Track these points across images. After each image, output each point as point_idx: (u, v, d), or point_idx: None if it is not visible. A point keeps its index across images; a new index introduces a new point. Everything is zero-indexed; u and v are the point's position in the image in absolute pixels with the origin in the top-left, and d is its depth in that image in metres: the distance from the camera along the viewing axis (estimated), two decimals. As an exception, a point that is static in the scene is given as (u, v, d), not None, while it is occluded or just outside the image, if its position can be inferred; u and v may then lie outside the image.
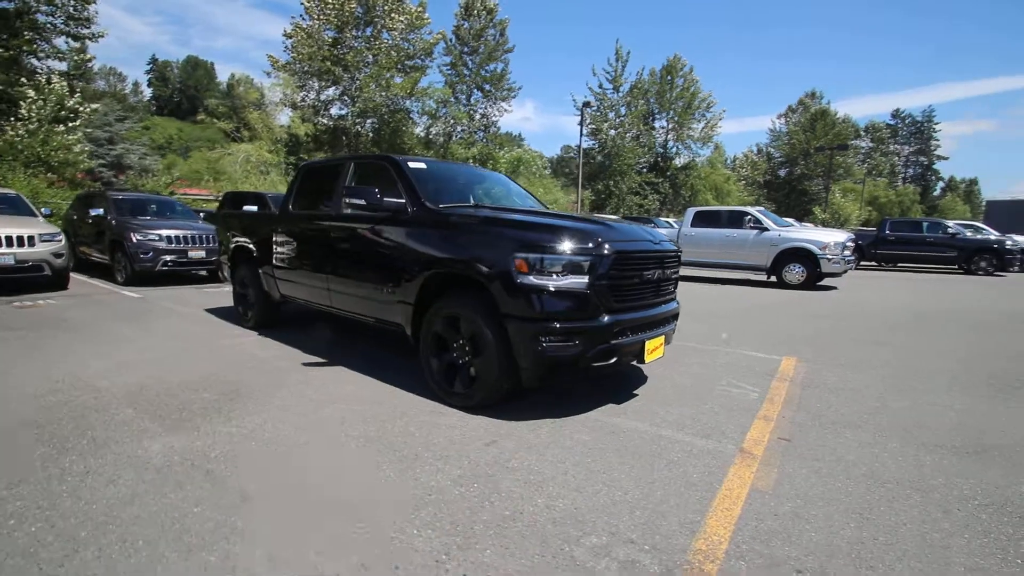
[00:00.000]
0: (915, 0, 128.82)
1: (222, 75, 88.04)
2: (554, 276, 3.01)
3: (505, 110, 34.02)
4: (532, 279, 2.99)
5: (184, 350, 4.73)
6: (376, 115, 23.66)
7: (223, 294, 8.19)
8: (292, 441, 2.83)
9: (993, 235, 16.29)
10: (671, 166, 41.98)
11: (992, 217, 37.44)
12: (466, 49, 33.51)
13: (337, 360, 4.48)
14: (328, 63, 23.08)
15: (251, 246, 5.60)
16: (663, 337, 3.58)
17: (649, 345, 3.38)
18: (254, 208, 10.29)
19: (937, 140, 74.07)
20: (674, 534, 2.04)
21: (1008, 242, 15.33)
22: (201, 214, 11.13)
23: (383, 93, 23.26)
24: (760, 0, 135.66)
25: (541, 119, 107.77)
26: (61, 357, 4.37)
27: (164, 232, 8.74)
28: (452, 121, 30.49)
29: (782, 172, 54.66)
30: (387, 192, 3.88)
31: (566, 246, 3.04)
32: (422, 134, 28.31)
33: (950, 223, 16.69)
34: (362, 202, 3.74)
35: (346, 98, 25.00)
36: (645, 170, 40.34)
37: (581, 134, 26.78)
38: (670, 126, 41.46)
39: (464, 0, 32.89)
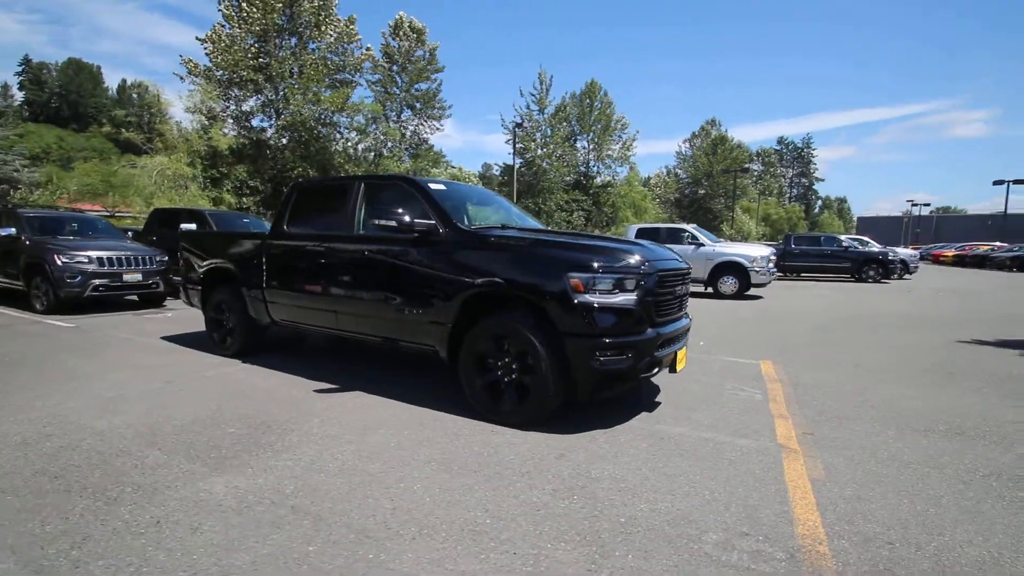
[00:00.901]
0: (794, 40, 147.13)
1: (110, 81, 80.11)
2: (607, 294, 3.19)
3: (437, 128, 34.06)
4: (588, 297, 3.16)
5: (170, 383, 4.32)
6: (304, 129, 22.72)
7: (168, 320, 7.50)
8: (363, 470, 2.74)
9: (876, 248, 18.86)
10: (593, 184, 44.13)
11: (861, 231, 43.29)
12: (394, 67, 33.29)
13: (347, 384, 4.32)
14: (251, 72, 21.88)
15: (232, 268, 5.24)
16: (686, 347, 3.88)
17: (679, 355, 3.66)
18: (192, 226, 9.60)
19: (815, 164, 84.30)
20: (775, 524, 2.27)
21: (890, 254, 17.86)
22: (129, 233, 10.08)
23: (312, 107, 22.44)
24: (662, 39, 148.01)
25: (461, 136, 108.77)
26: (26, 398, 3.83)
27: (94, 253, 7.84)
28: (383, 138, 29.99)
29: (688, 192, 59.45)
30: (408, 213, 3.88)
31: (616, 265, 3.24)
32: (351, 150, 27.55)
33: (843, 238, 19.11)
34: (393, 224, 3.71)
35: (270, 110, 23.80)
36: (569, 188, 42.04)
37: (515, 153, 27.49)
38: (591, 146, 43.70)
39: (392, 19, 32.76)
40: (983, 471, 2.83)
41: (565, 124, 41.69)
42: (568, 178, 42.31)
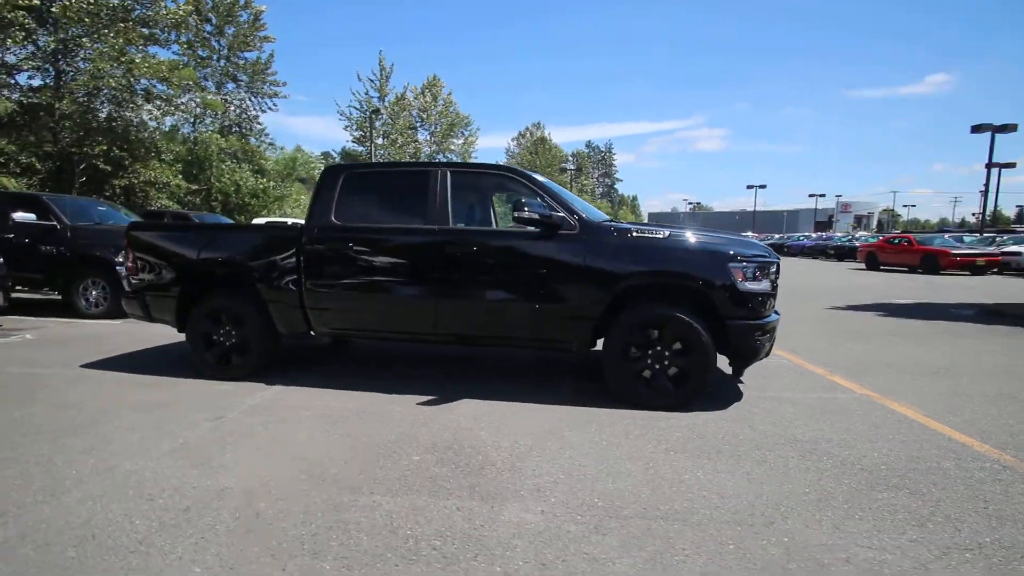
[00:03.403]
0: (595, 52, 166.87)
1: None
2: (755, 282, 3.60)
3: (270, 107, 30.11)
4: (749, 286, 3.53)
5: (221, 419, 3.37)
6: (106, 96, 17.98)
7: (38, 345, 5.64)
8: (619, 471, 2.68)
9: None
10: (436, 176, 44.00)
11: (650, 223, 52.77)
12: (209, 28, 28.32)
13: (442, 395, 3.89)
14: (16, 12, 16.38)
15: (241, 268, 4.23)
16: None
17: (771, 336, 4.26)
18: (31, 216, 7.32)
19: (615, 166, 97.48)
20: (964, 450, 2.96)
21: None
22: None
23: (117, 70, 17.81)
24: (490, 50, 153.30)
25: (267, 118, 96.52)
26: (65, 459, 2.64)
27: None
28: (201, 111, 25.40)
29: (518, 187, 63.71)
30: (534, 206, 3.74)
31: (760, 257, 3.67)
32: (160, 124, 22.68)
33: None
34: (536, 216, 3.54)
35: (47, 66, 18.23)
36: (413, 180, 41.22)
37: (372, 139, 25.90)
38: (433, 139, 43.45)
39: (203, -31, 27.69)
40: (1009, 395, 4.00)
41: (405, 113, 40.65)
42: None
